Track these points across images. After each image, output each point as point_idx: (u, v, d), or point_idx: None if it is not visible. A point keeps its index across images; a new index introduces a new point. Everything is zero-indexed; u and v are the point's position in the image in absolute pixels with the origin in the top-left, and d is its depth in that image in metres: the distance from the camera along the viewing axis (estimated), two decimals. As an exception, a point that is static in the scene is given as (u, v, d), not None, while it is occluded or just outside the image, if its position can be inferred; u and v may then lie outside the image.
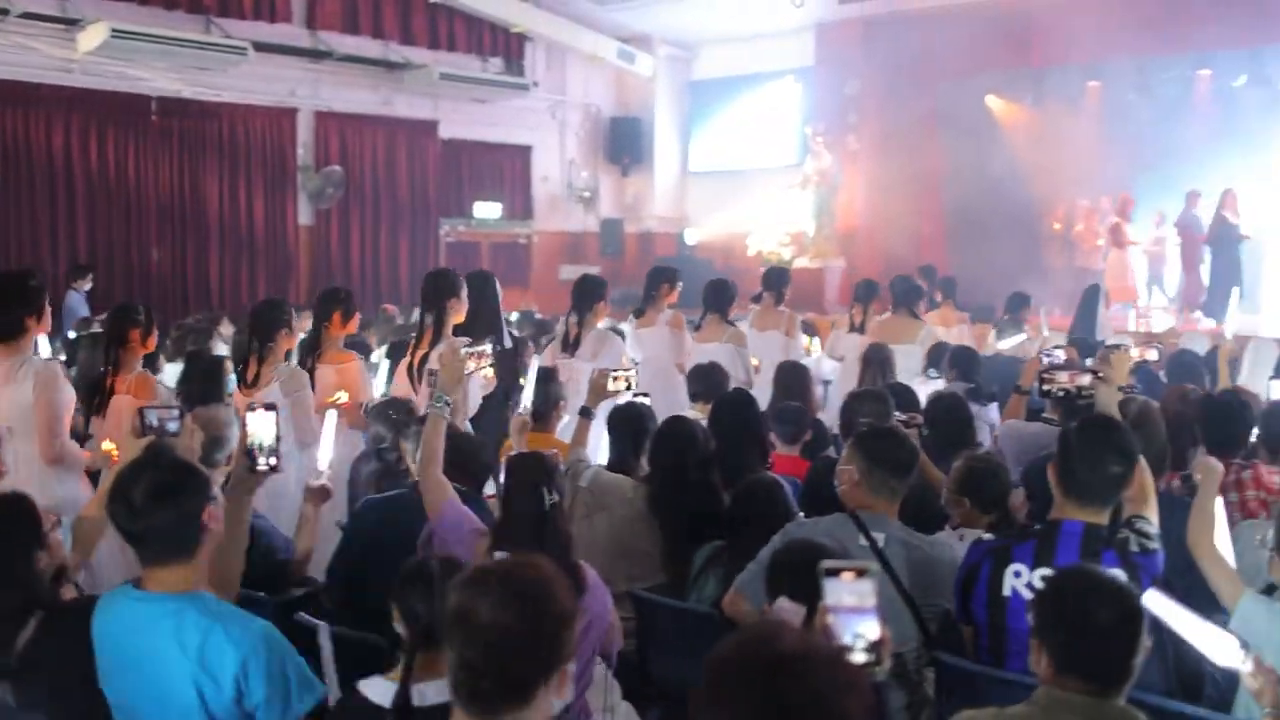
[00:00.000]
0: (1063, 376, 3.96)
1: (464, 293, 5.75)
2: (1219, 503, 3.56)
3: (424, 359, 5.61)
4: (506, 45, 16.39)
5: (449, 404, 3.86)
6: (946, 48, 14.85)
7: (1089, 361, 5.34)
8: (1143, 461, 3.44)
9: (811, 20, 15.65)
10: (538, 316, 11.35)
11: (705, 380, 5.69)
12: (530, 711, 1.95)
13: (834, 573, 1.93)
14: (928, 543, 3.57)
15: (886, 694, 3.35)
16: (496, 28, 16.12)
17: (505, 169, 17.17)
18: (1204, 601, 3.26)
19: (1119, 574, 3.03)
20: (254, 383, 5.42)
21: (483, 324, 5.83)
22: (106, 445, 4.17)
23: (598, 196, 18.06)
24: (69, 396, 4.67)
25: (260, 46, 13.70)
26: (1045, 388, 4.01)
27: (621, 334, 7.56)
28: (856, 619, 1.92)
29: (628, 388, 4.98)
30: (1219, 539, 3.48)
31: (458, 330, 5.63)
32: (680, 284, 7.60)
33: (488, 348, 4.49)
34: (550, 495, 3.25)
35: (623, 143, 17.92)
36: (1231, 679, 3.38)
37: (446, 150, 16.34)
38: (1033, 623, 2.46)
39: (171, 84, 13.50)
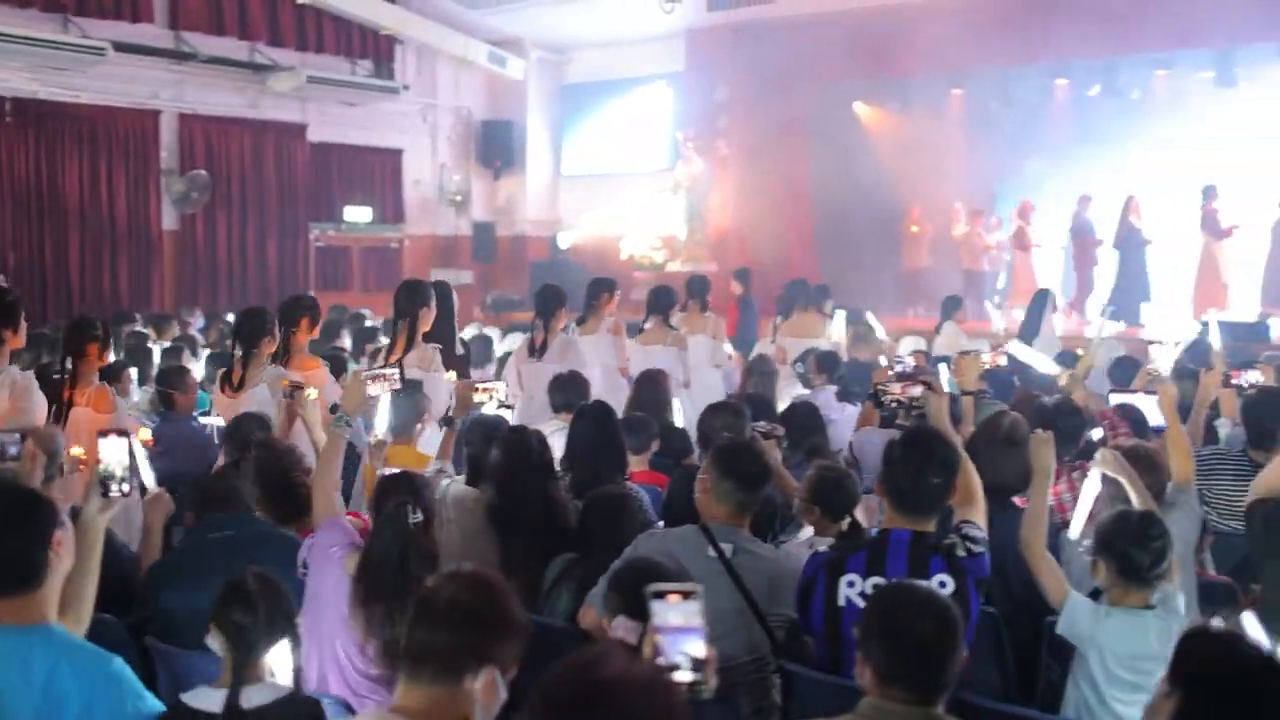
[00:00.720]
0: (895, 387, 4.08)
1: (433, 302, 6.22)
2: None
3: (398, 364, 5.83)
4: (376, 47, 16.18)
5: (350, 424, 4.05)
6: (814, 54, 15.13)
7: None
8: (969, 466, 3.60)
9: (682, 26, 15.79)
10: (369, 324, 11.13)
11: (566, 391, 5.71)
12: (452, 695, 2.21)
13: (661, 595, 2.00)
14: (775, 553, 3.68)
15: (736, 699, 3.45)
16: (366, 30, 15.90)
17: (376, 172, 16.96)
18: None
19: (942, 586, 3.20)
20: (240, 385, 5.71)
21: (438, 332, 6.33)
22: (75, 450, 4.16)
23: (470, 200, 17.97)
24: (42, 406, 4.81)
25: (120, 47, 13.32)
26: (880, 398, 4.12)
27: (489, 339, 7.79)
28: (683, 638, 1.99)
29: (494, 400, 5.01)
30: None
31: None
32: (618, 293, 7.99)
33: (394, 372, 4.69)
34: (415, 514, 3.28)
35: (495, 146, 17.86)
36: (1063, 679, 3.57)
37: (316, 153, 16.08)
38: (857, 637, 2.57)
39: (27, 84, 13.05)
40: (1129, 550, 3.32)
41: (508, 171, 18.00)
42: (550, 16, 16.21)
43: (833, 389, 6.89)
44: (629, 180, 17.22)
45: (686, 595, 1.99)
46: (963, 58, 14.87)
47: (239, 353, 5.81)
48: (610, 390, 6.83)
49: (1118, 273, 14.42)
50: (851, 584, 3.26)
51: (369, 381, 4.39)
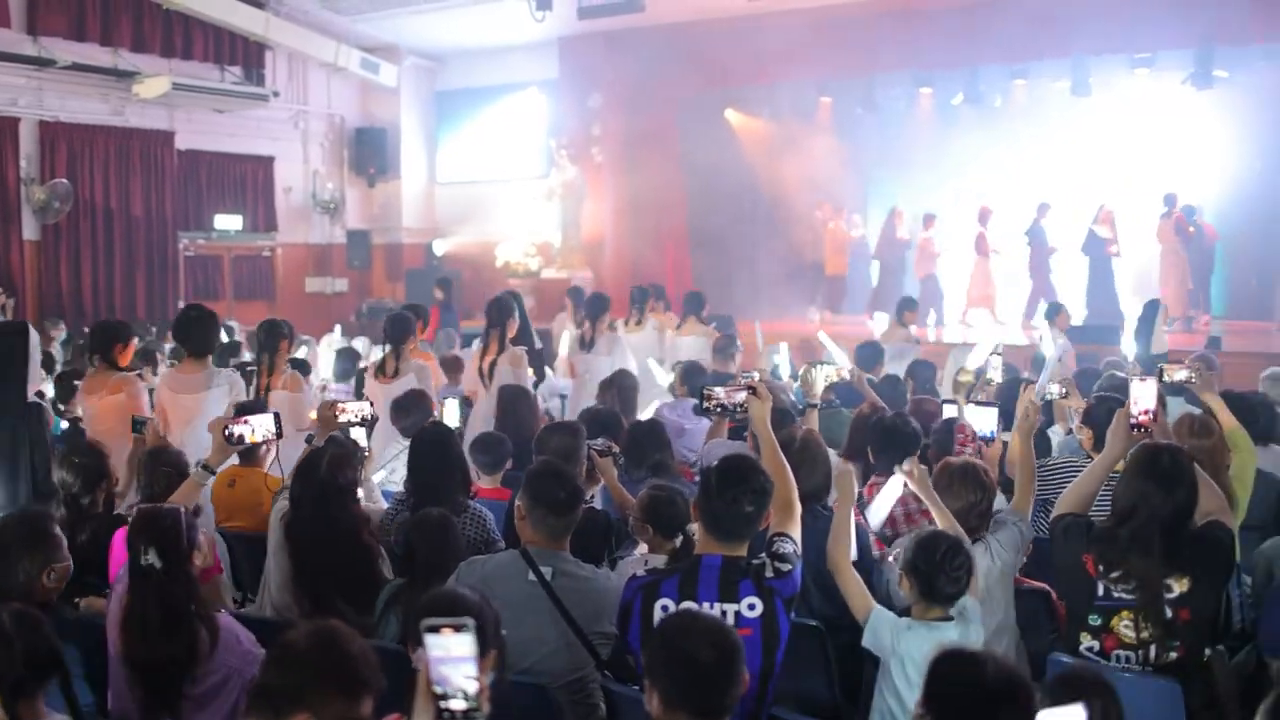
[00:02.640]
0: (720, 393, 4.11)
1: (517, 313, 7.59)
2: None
3: (493, 363, 7.32)
4: (246, 54, 15.87)
5: (214, 473, 4.39)
6: (685, 62, 15.29)
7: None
8: (790, 478, 3.69)
9: (554, 34, 15.80)
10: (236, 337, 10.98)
11: (410, 413, 5.69)
12: None
13: (434, 629, 2.06)
14: (595, 574, 3.73)
15: (562, 717, 3.50)
16: (235, 36, 15.60)
17: (247, 180, 16.65)
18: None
19: (751, 608, 3.28)
20: (266, 390, 6.33)
21: (521, 338, 7.67)
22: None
23: (343, 207, 17.76)
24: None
25: (-25, 53, 12.92)
26: (705, 404, 4.15)
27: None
28: (457, 670, 2.05)
29: (360, 419, 5.00)
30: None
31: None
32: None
33: (365, 406, 4.98)
34: (146, 556, 3.27)
35: (369, 153, 17.68)
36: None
37: (184, 162, 15.74)
38: (644, 664, 2.64)
39: (-124, 91, 12.58)
40: (932, 574, 3.46)
41: (382, 178, 17.82)
42: (423, 23, 16.11)
43: (692, 401, 6.95)
44: (504, 187, 17.21)
45: (458, 629, 2.05)
46: (830, 66, 15.20)
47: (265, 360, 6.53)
48: (649, 384, 7.95)
49: (1089, 281, 14.85)
50: (665, 608, 3.31)
51: (341, 411, 4.74)
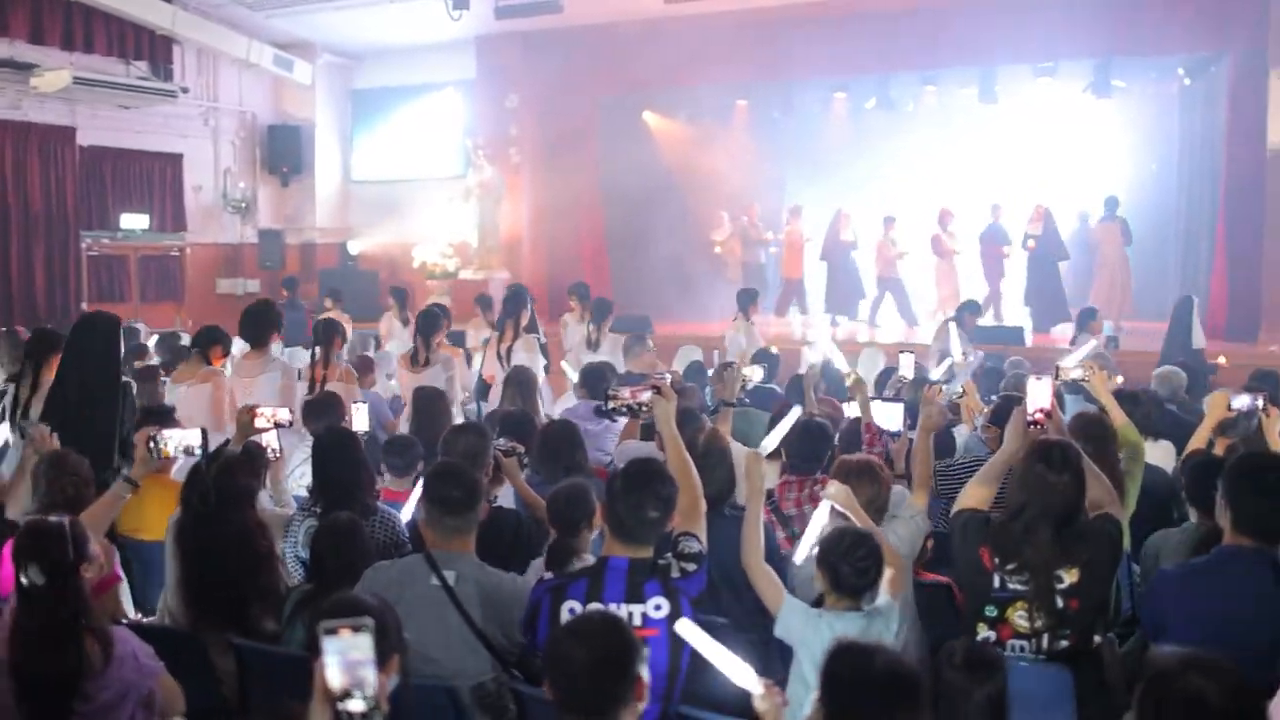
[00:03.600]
0: (625, 392, 4.13)
1: (530, 305, 8.71)
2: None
3: (509, 349, 8.37)
4: (152, 48, 15.52)
5: (136, 485, 4.37)
6: (604, 63, 15.34)
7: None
8: (695, 478, 3.74)
9: (471, 33, 15.74)
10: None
11: (321, 415, 5.65)
12: None
13: (332, 630, 2.06)
14: (500, 576, 3.74)
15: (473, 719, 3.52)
16: (141, 29, 15.25)
17: (155, 178, 16.29)
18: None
19: (657, 609, 3.32)
20: (324, 381, 7.16)
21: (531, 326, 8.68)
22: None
23: (255, 207, 17.50)
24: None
25: None
26: (610, 405, 4.17)
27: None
28: (356, 671, 2.06)
29: (278, 423, 4.96)
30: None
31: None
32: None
33: (286, 413, 4.98)
34: (28, 573, 3.18)
35: (282, 152, 17.44)
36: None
37: (87, 158, 15.36)
38: (544, 664, 2.67)
39: None
40: (838, 565, 3.56)
41: (296, 178, 17.61)
42: (338, 20, 15.93)
43: (593, 403, 6.96)
44: (421, 187, 17.09)
45: (357, 629, 2.06)
46: (745, 69, 15.33)
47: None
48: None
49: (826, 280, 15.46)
50: (572, 610, 3.35)
51: (259, 417, 4.79)
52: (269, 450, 5.02)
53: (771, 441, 3.92)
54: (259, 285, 16.88)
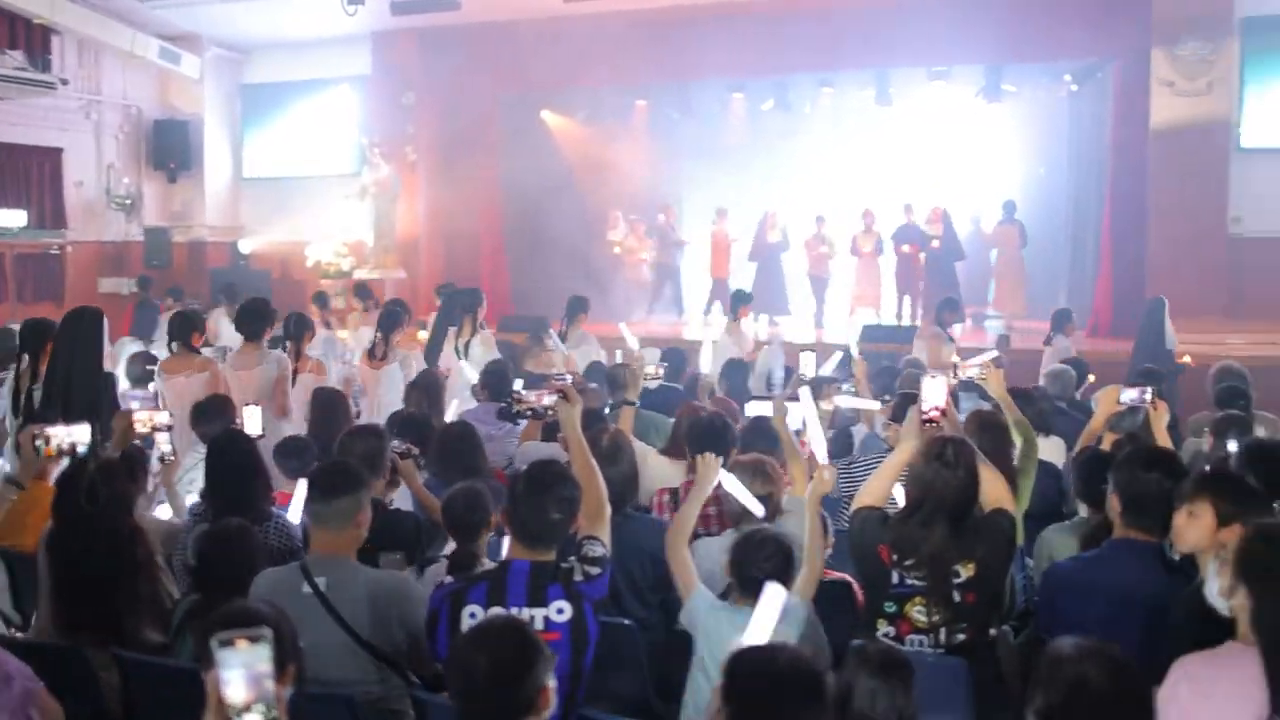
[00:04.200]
0: (529, 396, 4.10)
1: (485, 301, 9.31)
2: None
3: (467, 343, 8.75)
4: (29, 38, 14.82)
5: (21, 486, 4.36)
6: (502, 62, 15.23)
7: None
8: (599, 481, 3.72)
9: (366, 29, 15.51)
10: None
11: (211, 420, 5.49)
12: None
13: (229, 642, 1.99)
14: (380, 576, 3.66)
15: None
16: (16, 17, 14.59)
17: (32, 173, 15.60)
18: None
19: (560, 613, 3.29)
20: (383, 357, 8.26)
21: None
22: None
23: (141, 204, 16.96)
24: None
25: None
26: (515, 408, 4.14)
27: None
28: (254, 683, 1.99)
29: (156, 427, 4.82)
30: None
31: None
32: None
33: (165, 415, 4.94)
34: None
35: (169, 147, 16.95)
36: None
37: (-42, 152, 14.76)
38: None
39: None
40: (743, 563, 3.61)
41: (184, 174, 17.12)
42: (227, 13, 15.56)
43: (494, 405, 6.91)
44: (315, 185, 16.76)
45: (254, 639, 1.99)
46: (644, 70, 15.36)
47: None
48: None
49: (755, 280, 15.44)
50: (473, 615, 3.29)
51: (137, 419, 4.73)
52: (163, 455, 4.88)
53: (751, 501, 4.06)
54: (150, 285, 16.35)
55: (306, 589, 3.51)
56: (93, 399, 6.00)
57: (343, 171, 16.55)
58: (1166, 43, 12.63)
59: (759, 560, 3.59)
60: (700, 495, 4.00)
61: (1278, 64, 12.67)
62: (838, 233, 15.83)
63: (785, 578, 3.57)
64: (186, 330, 7.15)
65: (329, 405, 6.29)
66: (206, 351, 8.51)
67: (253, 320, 7.22)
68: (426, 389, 6.91)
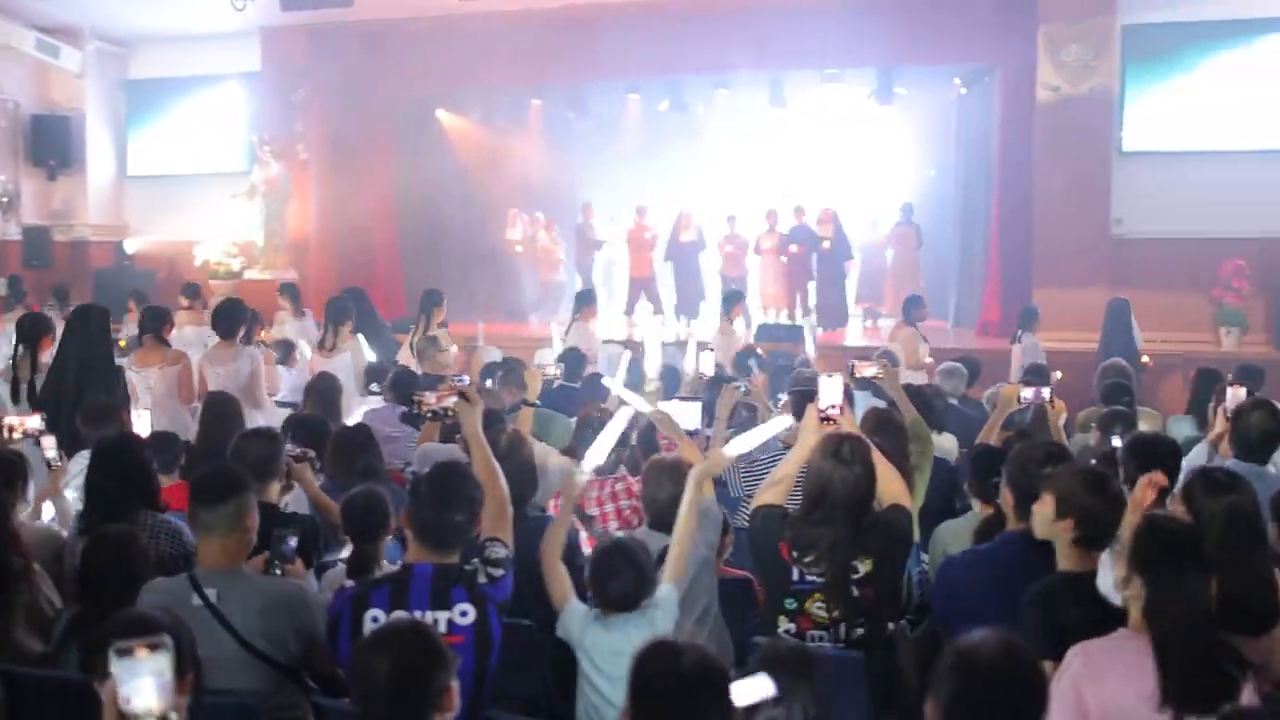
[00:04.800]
0: (430, 396, 4.07)
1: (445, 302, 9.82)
2: None
3: (423, 338, 9.18)
4: (-104, 28, 14.34)
5: None
6: (396, 60, 15.04)
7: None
8: (501, 482, 3.70)
9: (255, 25, 15.17)
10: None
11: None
12: None
13: (127, 651, 1.94)
14: (270, 584, 3.59)
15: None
16: (-120, 7, 14.08)
17: (-99, 170, 15.06)
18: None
19: (464, 615, 3.26)
20: (333, 348, 8.68)
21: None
22: None
23: (19, 201, 16.29)
24: None
25: None
26: (416, 410, 4.09)
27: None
28: (151, 690, 1.94)
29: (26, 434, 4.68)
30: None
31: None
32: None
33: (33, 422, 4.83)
34: None
35: (49, 143, 16.34)
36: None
37: None
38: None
39: None
40: (602, 587, 3.56)
41: (65, 171, 16.53)
42: (110, 5, 15.08)
43: (400, 408, 6.84)
44: (203, 183, 16.28)
45: (153, 647, 1.94)
46: (539, 70, 15.28)
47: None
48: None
49: (675, 279, 15.68)
50: (375, 619, 3.26)
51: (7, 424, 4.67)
52: (49, 460, 4.73)
53: (596, 456, 3.95)
54: (23, 285, 15.78)
55: (197, 601, 3.43)
56: (111, 388, 6.54)
57: (232, 170, 16.14)
58: (1051, 48, 12.97)
59: (611, 576, 3.54)
60: (568, 507, 3.91)
61: (1157, 70, 13.08)
62: (750, 233, 15.97)
63: (639, 593, 3.54)
64: (159, 323, 7.52)
65: (221, 407, 6.13)
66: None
67: (228, 320, 7.70)
68: (322, 392, 6.79)
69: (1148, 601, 2.85)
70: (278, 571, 3.81)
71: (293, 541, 3.86)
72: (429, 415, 4.09)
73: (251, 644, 3.42)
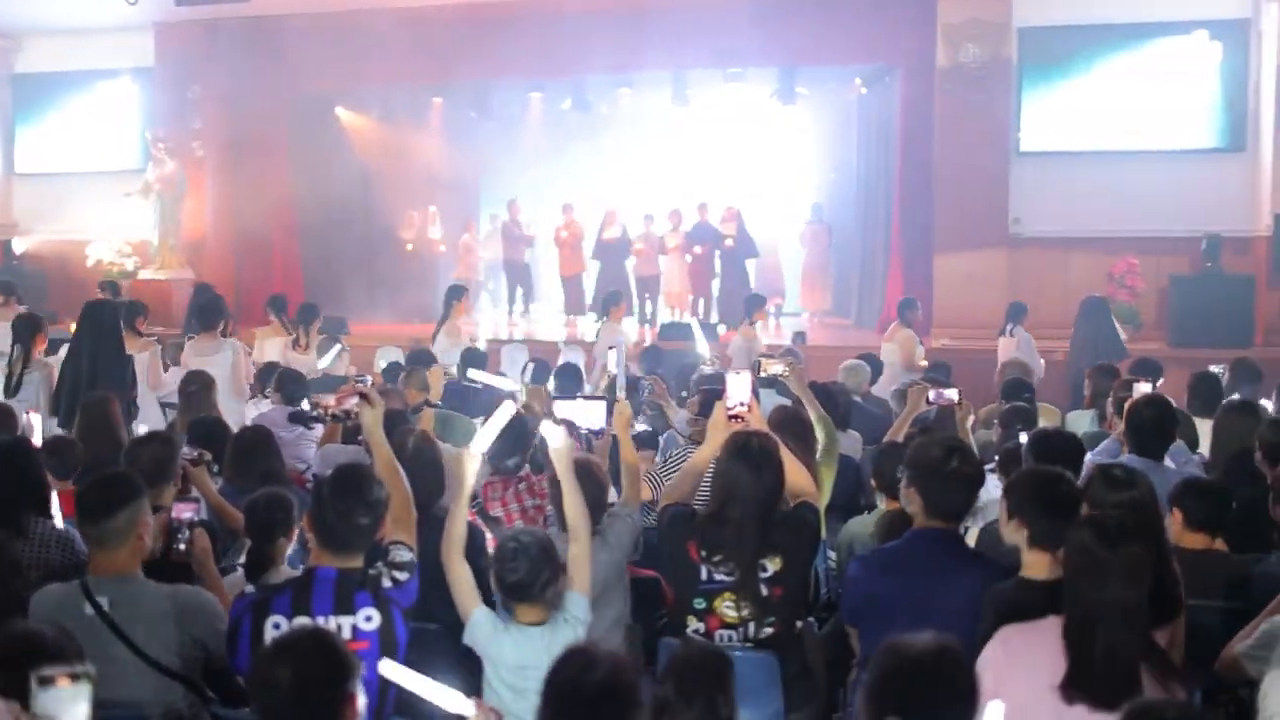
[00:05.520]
0: (329, 399, 3.99)
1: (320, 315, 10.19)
2: None
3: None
4: None
5: None
6: (294, 56, 14.77)
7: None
8: (405, 484, 3.63)
9: (149, 19, 14.80)
10: None
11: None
12: None
13: (48, 680, 1.84)
14: (164, 590, 3.45)
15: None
16: None
17: None
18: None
19: (368, 620, 3.19)
20: (307, 346, 9.59)
21: None
22: None
23: (-101, 200, 15.76)
24: None
25: None
26: (315, 411, 4.01)
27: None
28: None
29: None
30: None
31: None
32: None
33: None
34: None
35: (-69, 139, 15.80)
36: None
37: None
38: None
39: None
40: (501, 575, 3.46)
41: (-52, 169, 15.98)
42: (-6, -2, 14.58)
43: (289, 409, 6.69)
44: (95, 181, 15.78)
45: (74, 678, 1.85)
46: (440, 68, 15.16)
47: None
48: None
49: (599, 277, 15.65)
50: (277, 625, 3.17)
51: None
52: None
53: (484, 440, 3.85)
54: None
55: (89, 610, 3.30)
56: (124, 377, 7.44)
57: (125, 167, 15.69)
58: (949, 49, 13.20)
59: (506, 575, 3.45)
60: (463, 496, 3.75)
61: (1052, 72, 13.37)
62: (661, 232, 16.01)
63: (533, 583, 3.43)
64: (133, 316, 8.54)
65: (98, 409, 5.91)
66: None
67: (208, 313, 8.69)
68: (190, 395, 6.61)
69: (1065, 588, 2.92)
70: (180, 547, 3.68)
71: (188, 513, 3.73)
72: (328, 417, 4.03)
73: (146, 653, 3.30)
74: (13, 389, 7.24)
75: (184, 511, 3.73)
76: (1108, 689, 2.76)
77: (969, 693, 2.34)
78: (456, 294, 10.62)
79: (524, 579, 3.40)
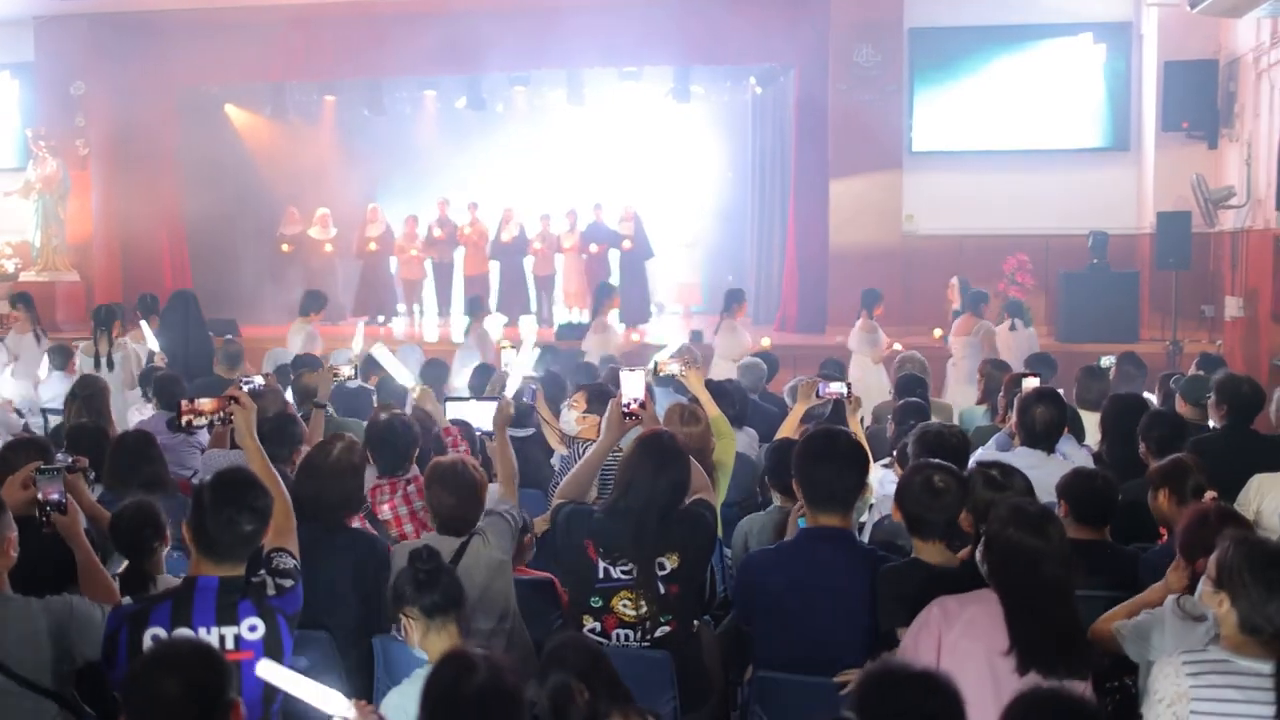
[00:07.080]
0: (204, 403, 3.89)
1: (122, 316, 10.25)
2: None
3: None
4: None
5: None
6: (181, 52, 14.48)
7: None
8: (284, 490, 3.53)
9: (28, 13, 14.32)
10: None
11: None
12: None
13: None
14: (55, 604, 3.29)
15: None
16: None
17: None
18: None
19: (252, 630, 3.09)
20: None
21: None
22: None
23: None
24: None
25: None
26: (184, 417, 3.89)
27: None
28: None
29: None
30: None
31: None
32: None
33: None
34: None
35: None
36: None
37: None
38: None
39: None
40: (396, 580, 3.35)
41: None
42: None
43: (167, 414, 6.51)
44: (-29, 181, 15.24)
45: None
46: (334, 66, 14.97)
47: None
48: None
49: (500, 278, 15.63)
50: (156, 638, 3.06)
51: None
52: None
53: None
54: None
55: None
56: (208, 359, 9.30)
57: (4, 167, 15.17)
58: (842, 50, 13.36)
59: (407, 578, 3.32)
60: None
61: (942, 72, 13.61)
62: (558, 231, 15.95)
63: (431, 589, 3.30)
64: (109, 320, 9.36)
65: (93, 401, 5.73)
66: None
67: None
68: (88, 399, 6.39)
69: (994, 577, 3.06)
70: (45, 518, 3.51)
71: (55, 495, 3.56)
72: (199, 423, 3.93)
73: (14, 670, 3.16)
74: (107, 365, 8.99)
75: (51, 493, 3.57)
76: (1061, 661, 2.91)
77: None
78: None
79: (422, 586, 3.29)
